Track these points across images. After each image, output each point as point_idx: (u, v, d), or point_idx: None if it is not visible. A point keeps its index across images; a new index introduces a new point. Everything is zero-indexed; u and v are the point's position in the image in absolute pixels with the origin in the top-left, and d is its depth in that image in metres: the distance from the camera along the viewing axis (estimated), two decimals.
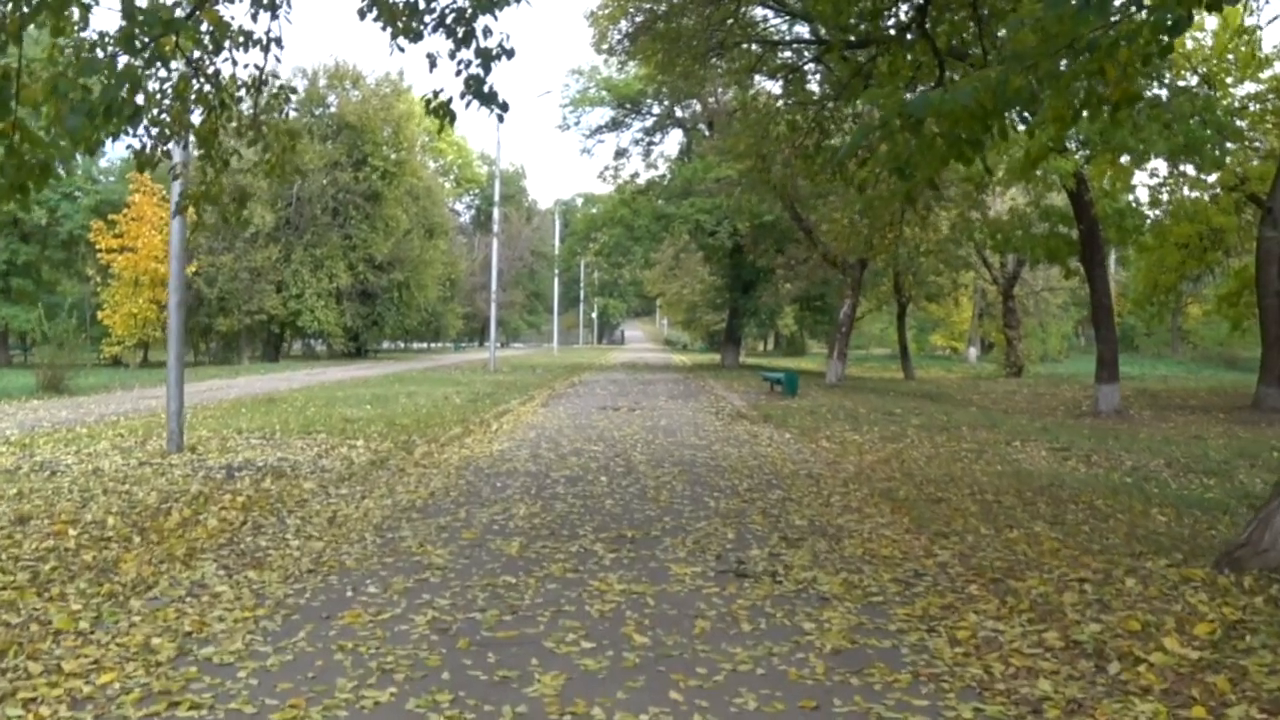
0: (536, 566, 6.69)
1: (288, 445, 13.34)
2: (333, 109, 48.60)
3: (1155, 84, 18.85)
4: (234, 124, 8.97)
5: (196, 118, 8.51)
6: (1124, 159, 24.02)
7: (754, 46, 23.17)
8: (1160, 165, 26.31)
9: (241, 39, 8.04)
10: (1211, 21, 23.33)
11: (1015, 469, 12.24)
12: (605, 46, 26.98)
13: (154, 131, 8.37)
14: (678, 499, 9.52)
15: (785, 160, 15.27)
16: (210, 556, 6.96)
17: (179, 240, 12.61)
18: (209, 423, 16.08)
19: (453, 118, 8.55)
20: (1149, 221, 28.56)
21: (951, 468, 12.20)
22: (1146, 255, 32.80)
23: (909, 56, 10.57)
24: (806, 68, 19.31)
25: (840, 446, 14.17)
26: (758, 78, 27.97)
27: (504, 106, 8.48)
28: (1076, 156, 22.83)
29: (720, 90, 38.40)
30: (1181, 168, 26.04)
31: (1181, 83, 21.87)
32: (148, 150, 8.49)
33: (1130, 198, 28.00)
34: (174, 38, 7.04)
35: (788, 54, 20.75)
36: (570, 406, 21.11)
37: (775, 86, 24.59)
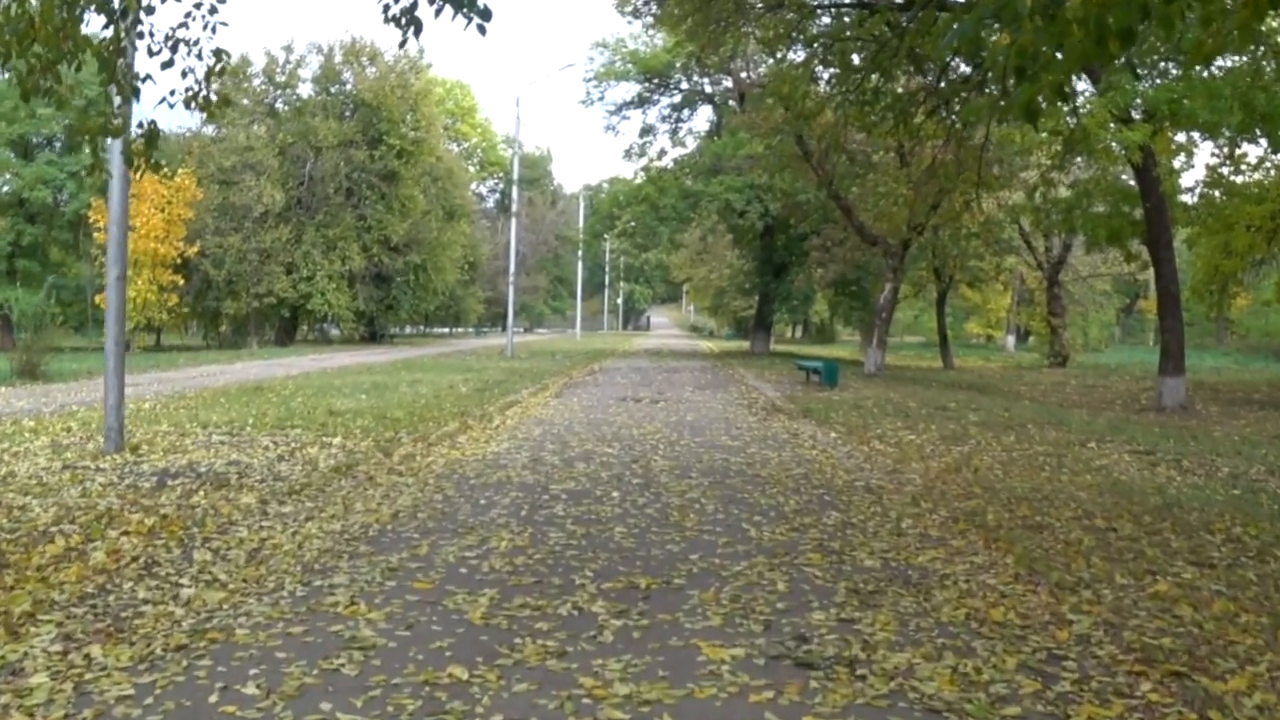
0: (505, 645, 4.64)
1: (251, 444, 11.38)
2: (348, 86, 46.61)
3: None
4: (145, 41, 7.05)
5: (95, 29, 6.63)
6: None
7: (789, 14, 21.16)
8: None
9: None
10: None
11: (1110, 480, 10.16)
12: (629, 8, 24.86)
13: (38, 50, 6.51)
14: (708, 524, 7.45)
15: (827, 130, 13.06)
16: (60, 615, 4.99)
17: (118, 202, 10.64)
18: (176, 414, 14.17)
19: (418, 28, 6.56)
20: (1217, 201, 26.31)
21: (1035, 478, 10.12)
22: (1211, 239, 30.57)
23: None
24: (847, 34, 17.20)
25: (897, 449, 12.08)
26: (792, 52, 26.06)
27: (485, 14, 6.48)
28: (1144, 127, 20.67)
29: (752, 65, 36.26)
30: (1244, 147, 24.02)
31: None
32: (33, 75, 6.64)
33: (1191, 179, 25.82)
34: None
35: (826, 20, 18.70)
36: (586, 397, 19.07)
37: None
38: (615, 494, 8.52)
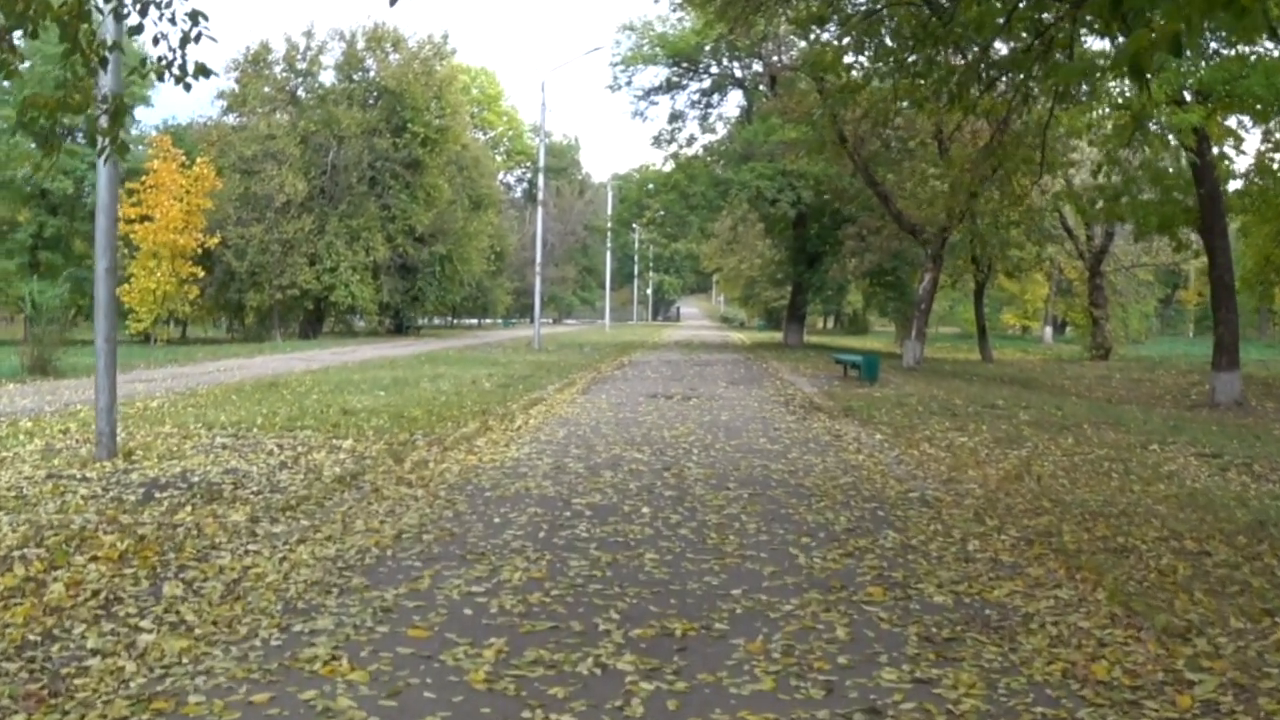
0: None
1: (255, 448, 10.62)
2: (371, 73, 45.90)
3: None
4: (112, 3, 6.28)
5: None
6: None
7: None
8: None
9: None
10: None
11: (1185, 491, 9.26)
12: None
13: None
14: (750, 548, 6.58)
15: (872, 106, 12.05)
16: None
17: (106, 188, 9.89)
18: (183, 414, 13.46)
19: None
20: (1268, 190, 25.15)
21: (1105, 488, 9.21)
22: (1264, 227, 29.40)
23: None
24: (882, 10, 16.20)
25: (949, 454, 11.16)
26: (825, 33, 25.01)
27: None
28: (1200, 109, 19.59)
29: (783, 47, 35.25)
30: None
31: None
32: None
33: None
34: None
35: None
36: (615, 393, 18.22)
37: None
38: (645, 510, 7.64)
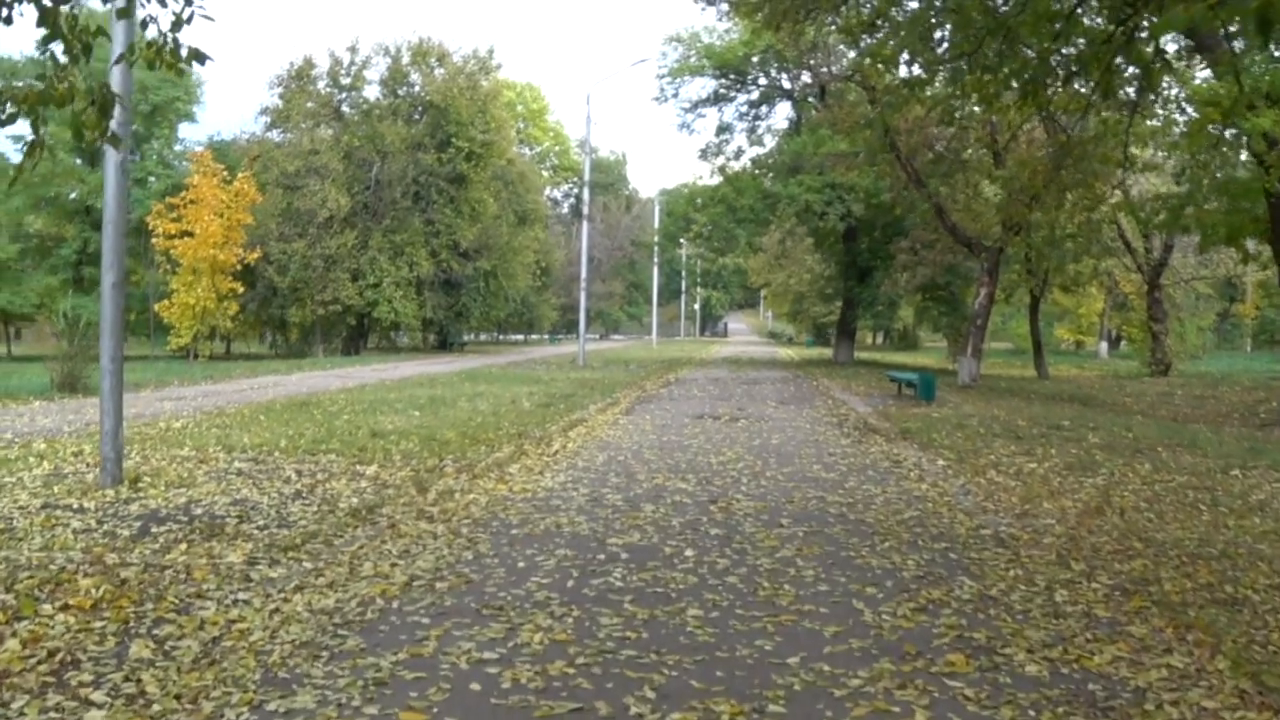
0: None
1: (272, 474, 9.94)
2: (416, 88, 45.56)
3: None
4: None
5: None
6: None
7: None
8: None
9: None
10: None
11: None
12: None
13: None
14: (808, 600, 5.73)
15: (939, 102, 11.13)
16: None
17: (114, 195, 9.25)
18: (205, 435, 12.84)
19: None
20: None
21: (1196, 524, 8.31)
22: None
23: None
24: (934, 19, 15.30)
25: (1019, 482, 10.24)
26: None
27: None
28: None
29: (833, 58, 34.39)
30: None
31: None
32: None
33: None
34: None
35: (914, 4, 16.84)
36: (659, 414, 17.40)
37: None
38: (689, 552, 6.79)
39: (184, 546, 6.81)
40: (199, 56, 5.99)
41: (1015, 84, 7.98)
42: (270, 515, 7.91)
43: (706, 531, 7.50)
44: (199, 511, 8.00)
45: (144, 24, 5.84)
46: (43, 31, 5.54)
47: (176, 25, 5.75)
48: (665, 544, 7.06)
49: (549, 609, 5.41)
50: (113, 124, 9.23)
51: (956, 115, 9.58)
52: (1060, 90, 8.71)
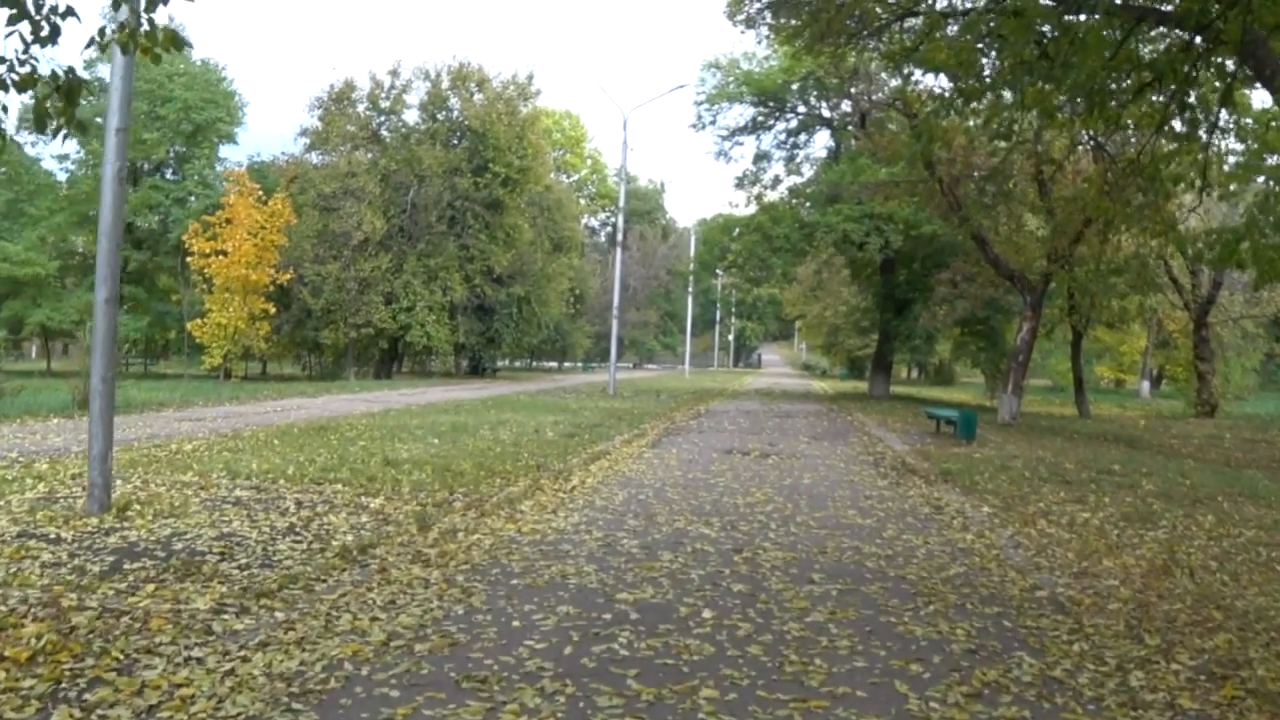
0: None
1: (272, 505, 9.32)
2: (455, 113, 45.29)
3: None
4: None
5: None
6: None
7: (918, 20, 18.71)
8: None
9: None
10: None
11: None
12: (741, 16, 22.54)
13: None
14: (843, 680, 4.96)
15: (995, 113, 10.37)
16: None
17: (110, 206, 8.70)
18: (213, 460, 12.27)
19: None
20: None
21: (1278, 589, 7.43)
22: None
23: None
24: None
25: (1074, 534, 9.42)
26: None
27: None
28: None
29: (874, 85, 33.74)
30: None
31: None
32: None
33: None
34: None
35: (954, 30, 16.17)
36: (687, 447, 16.66)
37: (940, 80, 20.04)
38: (707, 614, 6.04)
39: (151, 588, 6.18)
40: (177, 42, 5.40)
41: (1080, 97, 7.25)
42: (255, 553, 7.27)
43: (728, 587, 6.75)
44: (180, 546, 7.38)
45: (116, 3, 5.29)
46: (8, 12, 5.02)
47: (151, 5, 5.18)
48: (681, 602, 6.31)
49: (539, 683, 4.67)
50: (114, 121, 8.67)
51: (1014, 129, 8.82)
52: (1130, 103, 7.96)
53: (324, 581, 6.50)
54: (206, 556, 7.08)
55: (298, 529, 8.25)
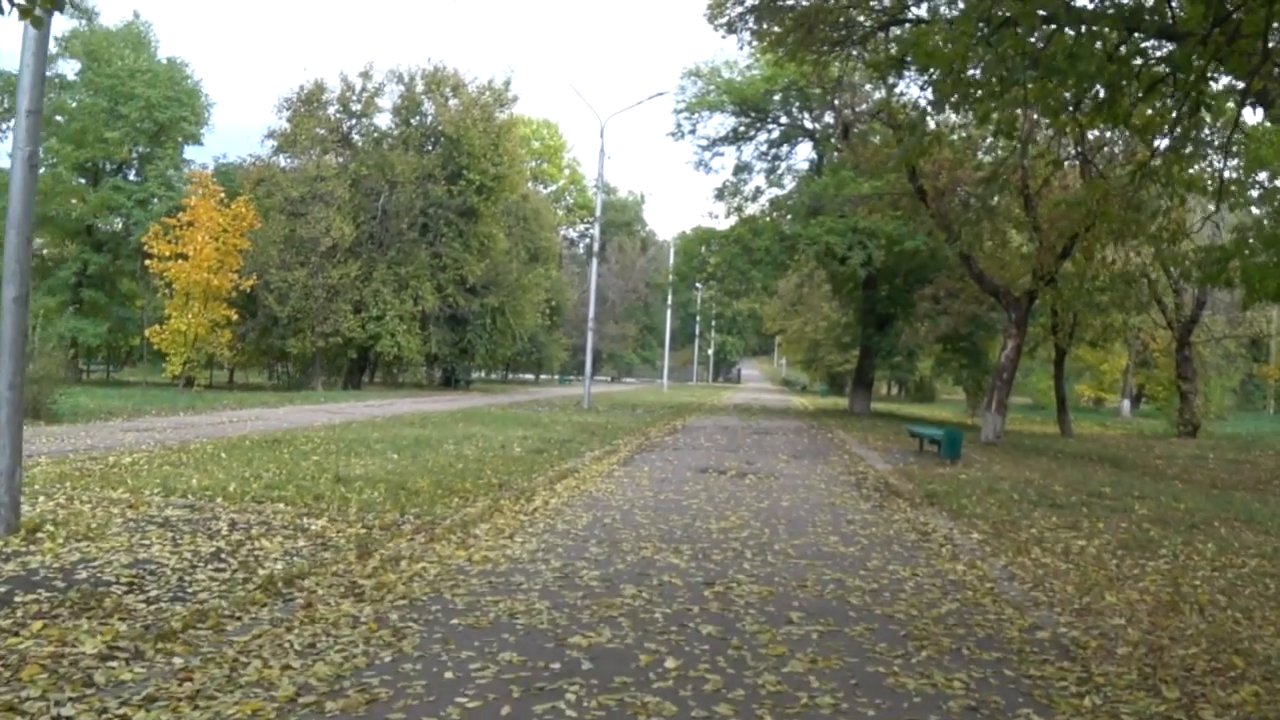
0: None
1: (201, 527, 8.54)
2: (429, 118, 44.49)
3: None
4: None
5: None
6: None
7: (904, 29, 18.19)
8: None
9: None
10: None
11: None
12: (723, 20, 21.96)
13: None
14: None
15: (1005, 105, 9.69)
16: None
17: (20, 196, 7.92)
18: (151, 474, 11.49)
19: None
20: None
21: None
22: None
23: None
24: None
25: (1070, 564, 8.77)
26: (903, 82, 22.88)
27: None
28: None
29: (858, 96, 33.21)
30: None
31: None
32: None
33: None
34: None
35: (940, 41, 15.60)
36: (660, 465, 15.94)
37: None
38: (670, 662, 5.28)
39: (38, 625, 5.41)
40: (57, 2, 4.67)
41: (1088, 93, 6.60)
42: (169, 584, 6.49)
43: (696, 629, 5.99)
44: (84, 575, 6.60)
45: None
46: None
47: None
48: (642, 647, 5.55)
49: None
50: (25, 102, 7.89)
51: (1016, 130, 8.17)
52: (1140, 100, 7.33)
53: (239, 619, 5.73)
54: (112, 588, 6.31)
55: (224, 554, 7.47)
